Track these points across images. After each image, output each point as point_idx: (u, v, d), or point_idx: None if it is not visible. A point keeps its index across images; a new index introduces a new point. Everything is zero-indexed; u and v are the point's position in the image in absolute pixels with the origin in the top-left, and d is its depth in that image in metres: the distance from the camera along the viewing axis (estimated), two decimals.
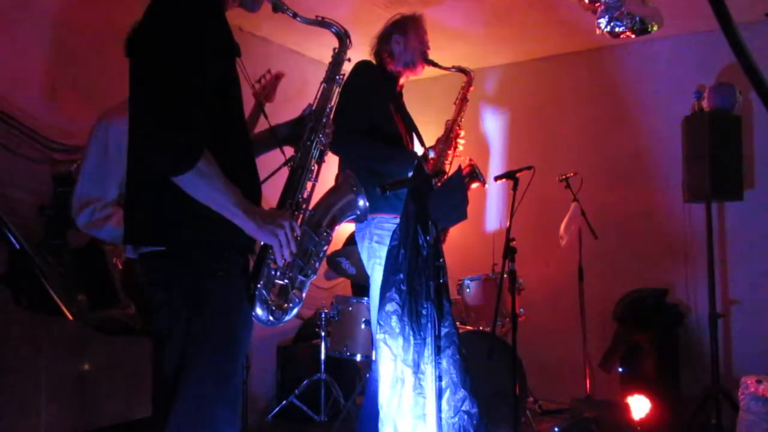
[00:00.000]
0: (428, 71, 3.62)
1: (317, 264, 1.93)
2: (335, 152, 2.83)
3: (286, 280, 1.87)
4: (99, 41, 3.40)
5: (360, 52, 3.12)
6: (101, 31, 3.43)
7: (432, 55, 3.18)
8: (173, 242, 1.67)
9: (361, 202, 2.09)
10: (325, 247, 1.97)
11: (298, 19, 1.97)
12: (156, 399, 1.58)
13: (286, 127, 2.11)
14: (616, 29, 3.10)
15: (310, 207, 1.97)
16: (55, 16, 3.32)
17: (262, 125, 2.13)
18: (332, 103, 2.05)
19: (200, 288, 1.67)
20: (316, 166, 1.98)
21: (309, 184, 1.95)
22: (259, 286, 1.79)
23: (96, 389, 1.22)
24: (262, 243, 1.79)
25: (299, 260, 1.87)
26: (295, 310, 1.91)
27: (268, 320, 1.86)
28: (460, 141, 3.22)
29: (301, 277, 1.89)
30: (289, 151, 2.04)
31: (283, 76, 3.02)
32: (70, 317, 1.67)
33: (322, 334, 4.16)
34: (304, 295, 1.91)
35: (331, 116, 2.04)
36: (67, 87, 3.31)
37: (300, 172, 1.93)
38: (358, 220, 2.17)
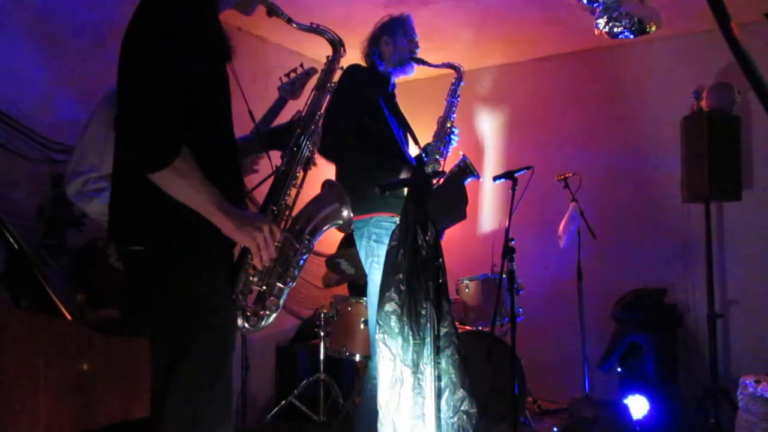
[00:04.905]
0: (425, 72, 3.63)
1: (297, 272, 1.91)
2: (323, 154, 2.82)
3: (264, 287, 1.85)
4: (99, 41, 3.40)
5: (357, 51, 3.12)
6: (101, 31, 3.43)
7: (430, 55, 3.19)
8: (157, 241, 1.66)
9: (345, 212, 2.08)
10: (306, 255, 1.95)
11: (294, 24, 1.96)
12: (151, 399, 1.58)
13: (273, 133, 2.11)
14: (615, 29, 3.10)
15: (294, 213, 1.96)
16: (55, 16, 3.32)
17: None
18: (322, 111, 2.04)
19: (186, 288, 1.66)
20: (301, 173, 1.97)
21: (293, 191, 1.94)
22: (235, 291, 1.78)
23: (95, 389, 1.21)
24: (241, 246, 1.77)
25: (278, 267, 1.85)
26: (271, 318, 1.89)
27: (243, 327, 1.84)
28: (454, 138, 3.22)
29: (279, 285, 1.87)
30: (276, 158, 2.02)
31: (315, 72, 2.90)
32: (69, 317, 1.67)
33: (321, 334, 4.16)
34: (281, 302, 1.89)
35: (320, 123, 2.03)
36: (67, 87, 3.31)
37: (285, 178, 1.92)
38: (341, 229, 2.16)
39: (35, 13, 3.25)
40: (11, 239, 1.73)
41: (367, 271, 2.96)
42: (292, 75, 2.88)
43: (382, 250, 2.84)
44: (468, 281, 4.20)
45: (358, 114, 2.94)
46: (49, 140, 3.16)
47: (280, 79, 2.88)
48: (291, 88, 2.85)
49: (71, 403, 1.17)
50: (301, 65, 2.89)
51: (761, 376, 3.38)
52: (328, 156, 2.95)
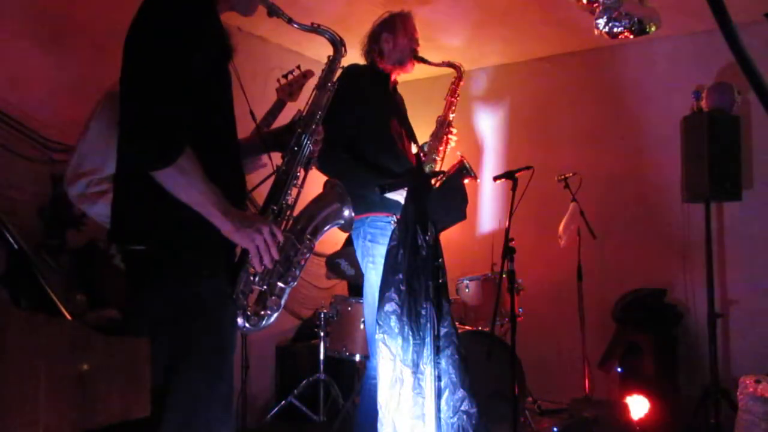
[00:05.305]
0: (425, 71, 3.62)
1: (298, 272, 1.91)
2: (321, 170, 2.81)
3: (264, 287, 1.85)
4: (99, 41, 3.40)
5: (357, 50, 3.12)
6: (101, 31, 3.43)
7: (429, 54, 3.18)
8: (158, 241, 1.67)
9: (346, 212, 2.08)
10: (308, 255, 1.95)
11: (294, 24, 1.96)
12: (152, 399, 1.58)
13: (274, 133, 2.11)
14: (615, 30, 3.10)
15: (295, 213, 1.96)
16: (55, 15, 3.32)
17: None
18: (322, 110, 2.04)
19: (186, 287, 1.66)
20: (302, 173, 1.97)
21: (294, 191, 1.94)
22: (236, 290, 1.78)
23: (95, 389, 1.21)
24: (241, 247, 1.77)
25: (279, 267, 1.85)
26: (273, 317, 1.89)
27: (244, 326, 1.85)
28: (452, 137, 3.21)
29: (280, 284, 1.87)
30: (277, 158, 2.03)
31: (312, 75, 2.93)
32: (69, 317, 1.67)
33: (321, 334, 4.16)
34: (283, 302, 1.89)
35: (321, 123, 2.03)
36: (67, 87, 3.31)
37: (285, 178, 1.92)
38: (343, 229, 2.16)
39: (35, 13, 3.25)
40: (11, 239, 1.73)
41: (363, 271, 2.96)
42: (290, 77, 2.89)
43: (376, 250, 2.84)
44: (468, 281, 4.19)
45: (353, 123, 2.91)
46: (49, 140, 3.16)
47: (278, 80, 2.90)
48: (289, 89, 2.87)
49: (71, 403, 1.17)
50: (298, 67, 2.91)
51: (761, 376, 3.38)
52: (327, 173, 2.91)
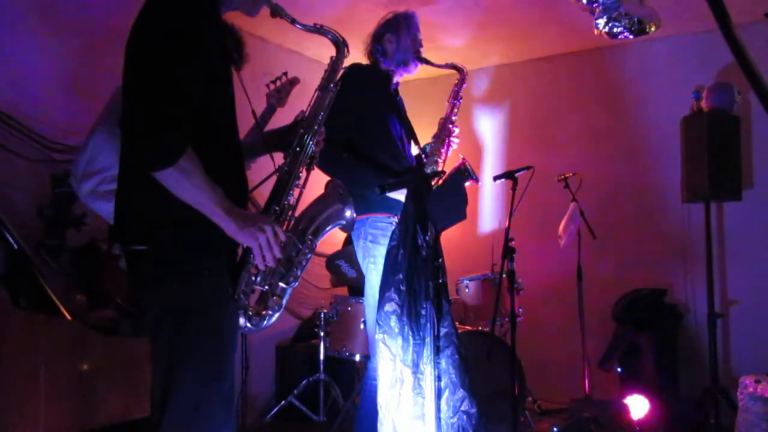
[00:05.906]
0: (426, 71, 3.61)
1: (299, 272, 1.92)
2: (321, 169, 2.80)
3: (266, 287, 1.86)
4: (99, 41, 3.40)
5: (359, 51, 3.12)
6: (101, 31, 3.43)
7: (430, 55, 3.17)
8: (160, 241, 1.67)
9: (348, 212, 2.09)
10: (309, 255, 1.96)
11: (297, 25, 1.96)
12: (153, 399, 1.58)
13: (277, 133, 2.11)
14: (614, 30, 3.10)
15: (297, 214, 1.96)
16: (56, 16, 3.32)
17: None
18: (325, 111, 2.04)
19: (188, 287, 1.66)
20: (304, 173, 1.97)
21: (296, 191, 1.94)
22: (237, 290, 1.79)
23: (94, 389, 1.22)
24: (244, 246, 1.77)
25: (281, 267, 1.85)
26: (274, 317, 1.89)
27: (246, 326, 1.85)
28: (454, 139, 3.21)
29: (281, 285, 1.88)
30: (279, 158, 2.03)
31: (299, 82, 3.00)
32: (69, 317, 1.68)
33: (321, 334, 4.17)
34: (284, 302, 1.90)
35: (324, 124, 2.03)
36: (67, 87, 3.31)
37: (288, 178, 1.92)
38: (344, 229, 2.16)
39: (35, 13, 3.25)
40: (11, 239, 1.73)
41: (364, 272, 2.96)
42: (278, 83, 2.97)
43: (377, 251, 2.83)
44: (468, 281, 4.20)
45: (354, 123, 2.91)
46: (49, 140, 3.15)
47: (267, 86, 2.96)
48: (278, 95, 2.95)
49: (71, 403, 1.17)
50: (285, 74, 2.99)
51: (761, 376, 3.38)
52: (326, 172, 2.90)
